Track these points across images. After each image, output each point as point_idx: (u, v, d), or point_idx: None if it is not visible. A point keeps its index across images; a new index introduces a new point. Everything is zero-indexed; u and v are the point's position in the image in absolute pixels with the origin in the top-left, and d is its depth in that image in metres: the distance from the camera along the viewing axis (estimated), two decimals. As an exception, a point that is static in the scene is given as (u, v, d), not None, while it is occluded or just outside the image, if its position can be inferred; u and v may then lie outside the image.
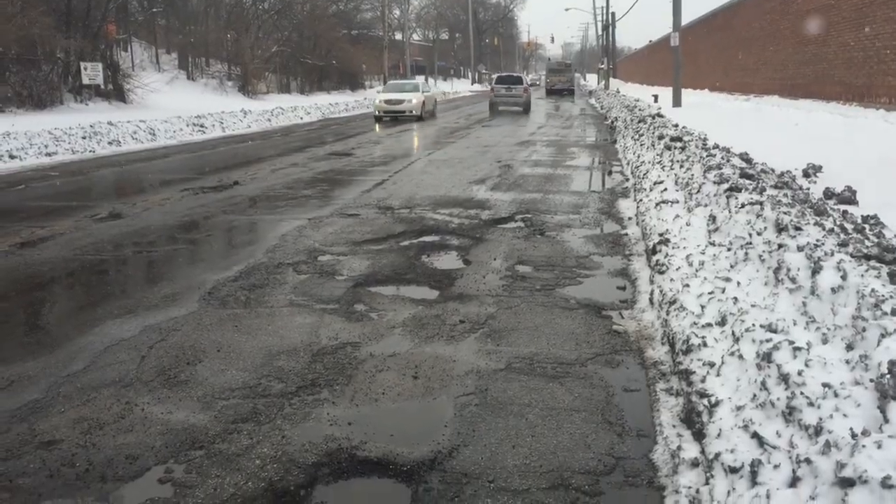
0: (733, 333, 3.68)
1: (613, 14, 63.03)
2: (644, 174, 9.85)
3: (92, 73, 24.88)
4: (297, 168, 13.59)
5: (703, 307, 4.21)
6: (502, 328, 4.83)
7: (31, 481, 3.06)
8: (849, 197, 6.27)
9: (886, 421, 2.48)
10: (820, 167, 7.90)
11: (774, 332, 3.46)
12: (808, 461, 2.44)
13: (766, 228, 4.85)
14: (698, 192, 6.88)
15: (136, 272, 6.69)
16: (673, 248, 5.67)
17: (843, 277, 3.54)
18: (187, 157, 15.98)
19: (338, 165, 13.94)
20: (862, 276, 3.52)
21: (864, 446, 2.31)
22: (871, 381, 2.69)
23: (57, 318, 5.49)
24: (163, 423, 3.55)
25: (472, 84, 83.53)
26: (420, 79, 33.43)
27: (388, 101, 27.81)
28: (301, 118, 29.31)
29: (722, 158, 8.17)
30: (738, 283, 4.37)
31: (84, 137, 17.22)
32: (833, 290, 3.50)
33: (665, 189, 8.03)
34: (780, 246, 4.34)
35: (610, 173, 12.41)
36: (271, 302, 5.45)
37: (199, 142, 19.74)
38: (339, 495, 3.01)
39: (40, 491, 2.99)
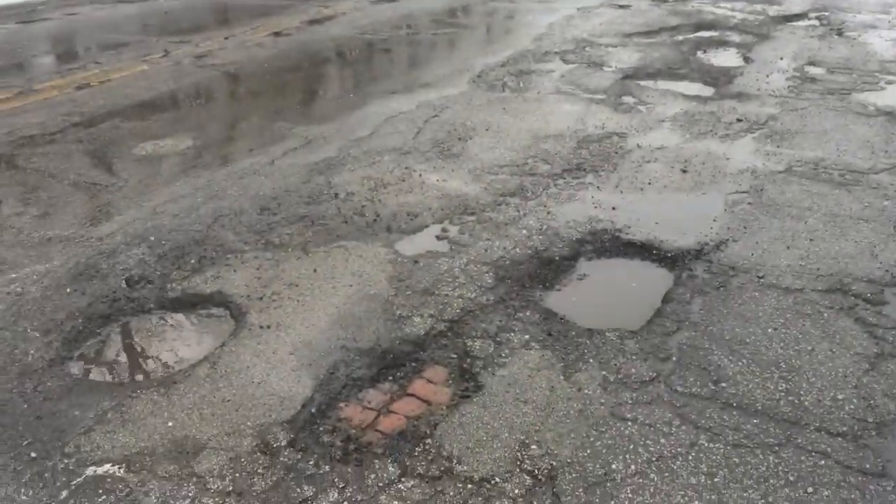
0: None
1: None
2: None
3: None
4: (564, -44, 12.89)
5: None
6: (784, 130, 4.45)
7: (330, 223, 3.49)
8: None
9: None
10: None
11: None
12: None
13: None
14: None
15: (409, 52, 6.96)
16: None
17: None
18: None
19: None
20: None
21: None
22: None
23: (342, 88, 5.96)
24: (438, 189, 3.81)
25: None
26: None
27: None
28: None
29: None
30: None
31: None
32: None
33: None
34: None
35: (936, -32, 10.37)
36: (538, 88, 5.44)
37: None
38: (600, 270, 3.09)
39: (338, 232, 3.40)
